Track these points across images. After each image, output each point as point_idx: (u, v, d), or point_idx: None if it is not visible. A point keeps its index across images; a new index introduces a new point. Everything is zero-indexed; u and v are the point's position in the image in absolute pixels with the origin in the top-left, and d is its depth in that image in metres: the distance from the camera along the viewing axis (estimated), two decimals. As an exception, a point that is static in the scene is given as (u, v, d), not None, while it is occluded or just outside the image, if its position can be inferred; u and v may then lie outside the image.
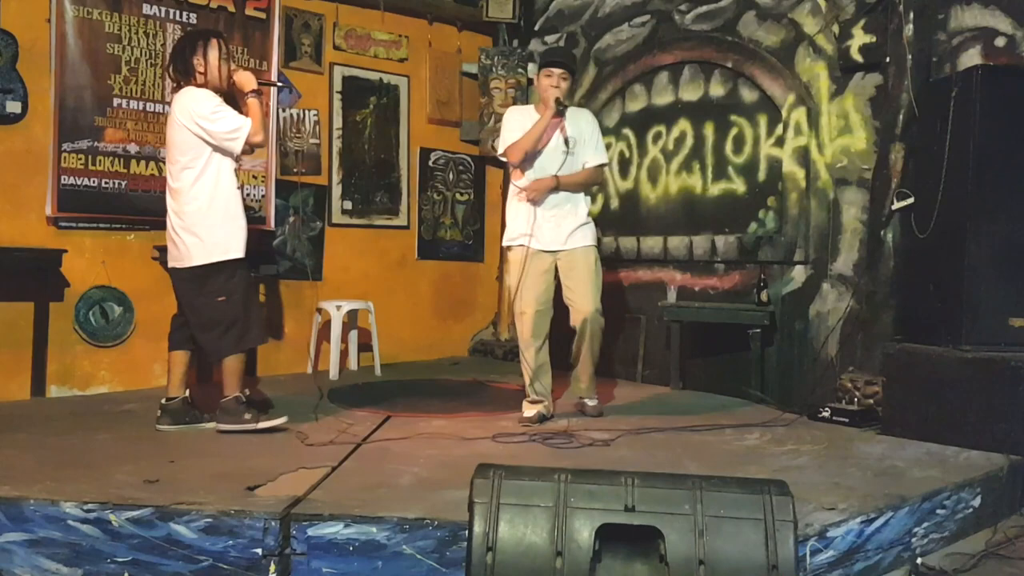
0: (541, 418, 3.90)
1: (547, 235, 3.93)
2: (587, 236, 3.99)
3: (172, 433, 3.50)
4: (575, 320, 3.97)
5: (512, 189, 4.08)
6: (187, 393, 3.63)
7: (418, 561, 2.29)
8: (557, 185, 3.90)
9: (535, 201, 3.91)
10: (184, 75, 3.53)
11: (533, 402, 3.96)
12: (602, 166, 4.08)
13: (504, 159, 4.06)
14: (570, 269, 3.95)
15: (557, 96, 3.85)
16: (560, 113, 3.87)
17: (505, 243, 4.08)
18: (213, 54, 3.51)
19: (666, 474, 1.95)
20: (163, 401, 3.61)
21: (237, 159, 3.55)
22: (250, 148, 3.51)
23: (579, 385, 4.12)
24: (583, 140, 3.98)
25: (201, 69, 3.50)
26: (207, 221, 3.47)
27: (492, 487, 1.84)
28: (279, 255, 5.30)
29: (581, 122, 4.03)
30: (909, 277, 3.98)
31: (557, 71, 3.89)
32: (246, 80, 3.57)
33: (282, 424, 3.55)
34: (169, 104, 4.58)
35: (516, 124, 3.96)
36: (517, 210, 4.00)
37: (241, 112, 3.55)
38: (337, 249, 5.61)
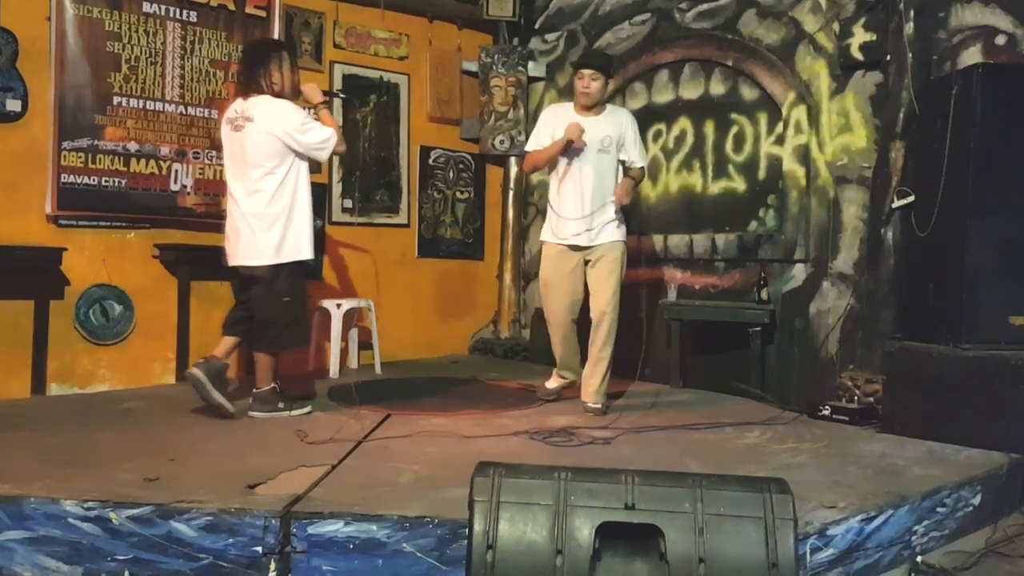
0: (559, 393, 4.29)
1: (581, 233, 4.03)
2: (615, 232, 4.07)
3: (172, 432, 3.50)
4: (594, 313, 4.09)
5: (550, 185, 4.20)
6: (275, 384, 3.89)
7: (418, 559, 2.29)
8: (638, 182, 4.16)
9: (625, 199, 4.03)
10: (255, 86, 3.74)
11: (557, 376, 4.33)
12: (643, 168, 4.27)
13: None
14: (596, 263, 4.07)
15: (571, 139, 3.94)
16: (570, 144, 3.97)
17: (541, 238, 4.24)
18: (286, 66, 3.78)
19: (666, 472, 1.96)
20: (254, 390, 3.83)
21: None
22: (339, 154, 3.86)
23: (587, 389, 4.11)
24: (622, 140, 4.10)
25: (275, 81, 3.74)
26: (286, 222, 3.72)
27: (492, 485, 1.84)
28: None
29: (621, 122, 4.14)
30: (909, 275, 3.98)
31: (587, 72, 3.99)
32: (313, 93, 3.88)
33: (307, 412, 3.86)
34: (170, 103, 4.71)
35: (547, 127, 4.09)
36: (553, 208, 4.14)
37: None
38: (337, 247, 5.61)
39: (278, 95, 3.74)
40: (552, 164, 4.10)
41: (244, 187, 3.73)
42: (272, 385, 3.83)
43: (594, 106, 4.05)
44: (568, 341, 4.23)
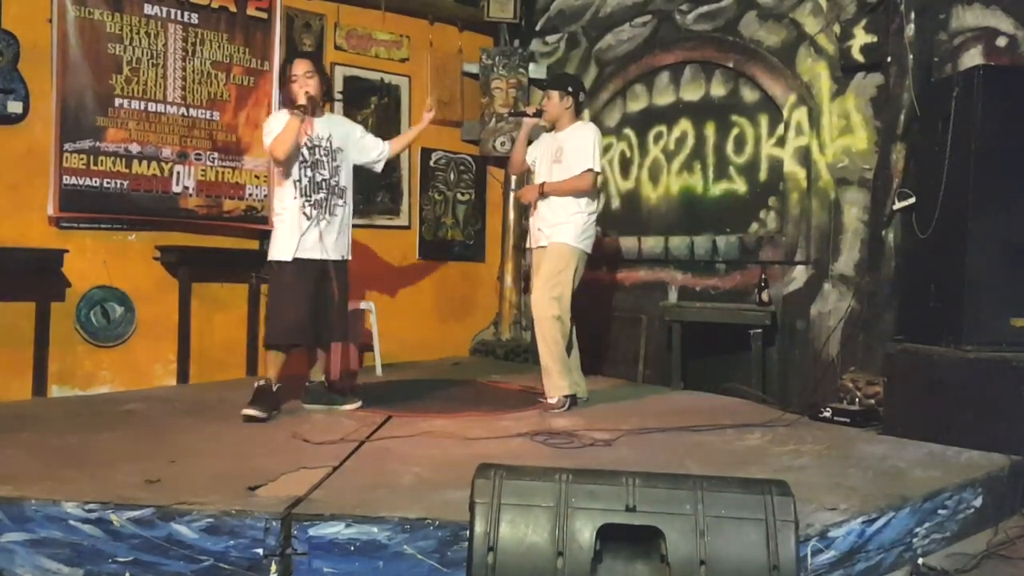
0: (574, 400, 4.23)
1: (535, 234, 4.33)
2: (558, 233, 4.17)
3: (173, 434, 3.50)
4: None
5: None
6: (324, 378, 4.13)
7: (419, 561, 2.29)
8: (543, 191, 4.22)
9: (529, 204, 4.36)
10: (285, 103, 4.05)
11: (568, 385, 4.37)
12: (588, 171, 4.13)
13: None
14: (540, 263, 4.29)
15: (524, 112, 4.43)
16: (520, 114, 4.43)
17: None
18: (286, 79, 3.91)
19: (667, 474, 1.95)
20: (306, 383, 4.08)
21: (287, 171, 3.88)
22: (275, 161, 3.91)
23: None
24: (574, 150, 4.16)
25: (287, 93, 3.95)
26: (275, 225, 3.98)
27: (493, 487, 1.84)
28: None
29: (578, 133, 4.24)
30: (910, 277, 3.98)
31: (545, 92, 4.38)
32: (296, 96, 3.86)
33: (258, 415, 3.71)
34: (172, 105, 4.77)
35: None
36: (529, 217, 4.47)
37: None
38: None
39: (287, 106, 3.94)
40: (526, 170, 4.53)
41: None
42: (261, 381, 3.86)
43: (556, 121, 4.29)
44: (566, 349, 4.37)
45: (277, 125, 3.82)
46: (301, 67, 3.88)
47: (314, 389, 4.05)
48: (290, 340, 3.89)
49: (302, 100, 3.79)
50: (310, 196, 3.87)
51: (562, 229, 4.17)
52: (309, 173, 3.88)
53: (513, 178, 4.57)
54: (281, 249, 3.86)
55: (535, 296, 4.21)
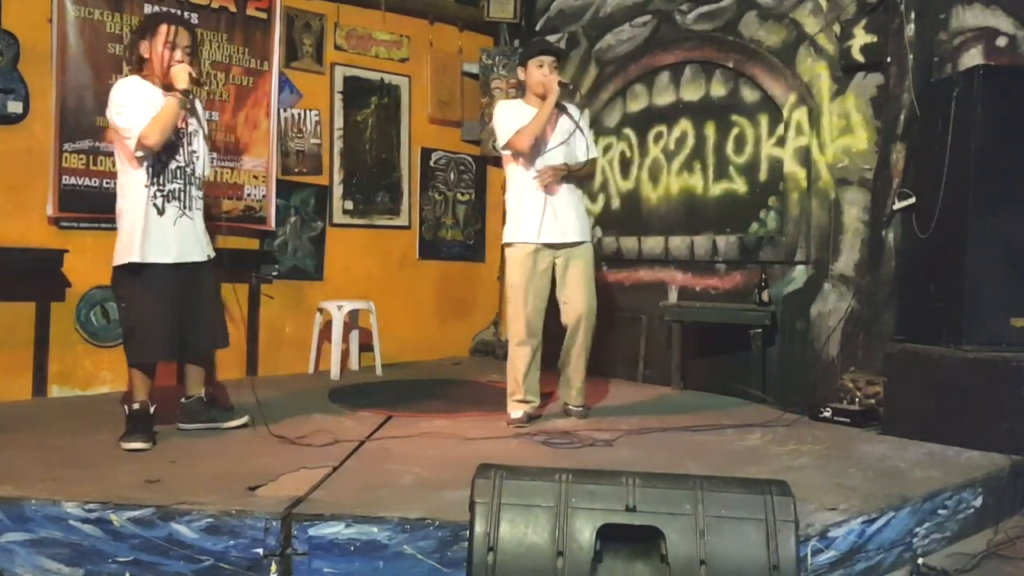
0: (529, 418, 3.86)
1: (549, 230, 3.82)
2: (583, 231, 3.94)
3: (174, 433, 3.50)
4: (568, 318, 3.92)
5: (513, 183, 3.92)
6: (203, 392, 3.60)
7: (419, 561, 2.29)
8: (568, 172, 3.79)
9: (549, 189, 3.77)
10: (132, 63, 3.42)
11: (521, 402, 3.88)
12: (595, 160, 4.01)
13: (506, 151, 3.87)
14: (567, 266, 3.90)
15: (560, 79, 3.76)
16: (569, 94, 3.79)
17: (505, 239, 3.93)
18: (159, 40, 3.26)
19: (667, 474, 1.96)
20: (182, 400, 3.58)
21: (141, 158, 3.26)
22: (145, 150, 3.22)
23: (569, 391, 4.03)
24: (578, 133, 3.90)
25: (147, 55, 3.29)
26: (120, 220, 3.33)
27: (493, 487, 1.84)
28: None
29: (576, 114, 4.00)
30: (910, 277, 3.98)
31: (548, 59, 3.82)
32: (178, 76, 3.25)
33: (143, 447, 3.19)
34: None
35: (512, 115, 3.82)
36: (519, 205, 3.86)
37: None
38: (338, 249, 5.61)
39: (148, 75, 3.31)
40: (531, 151, 3.80)
41: None
42: (130, 404, 3.32)
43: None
44: (536, 357, 3.89)
45: (136, 101, 3.21)
46: (185, 38, 3.30)
47: (191, 407, 3.55)
48: (157, 357, 3.40)
49: (183, 82, 3.21)
50: (163, 186, 3.30)
51: (586, 226, 3.97)
52: (163, 158, 3.29)
53: (521, 159, 3.81)
54: (133, 248, 3.24)
55: (587, 303, 3.88)
